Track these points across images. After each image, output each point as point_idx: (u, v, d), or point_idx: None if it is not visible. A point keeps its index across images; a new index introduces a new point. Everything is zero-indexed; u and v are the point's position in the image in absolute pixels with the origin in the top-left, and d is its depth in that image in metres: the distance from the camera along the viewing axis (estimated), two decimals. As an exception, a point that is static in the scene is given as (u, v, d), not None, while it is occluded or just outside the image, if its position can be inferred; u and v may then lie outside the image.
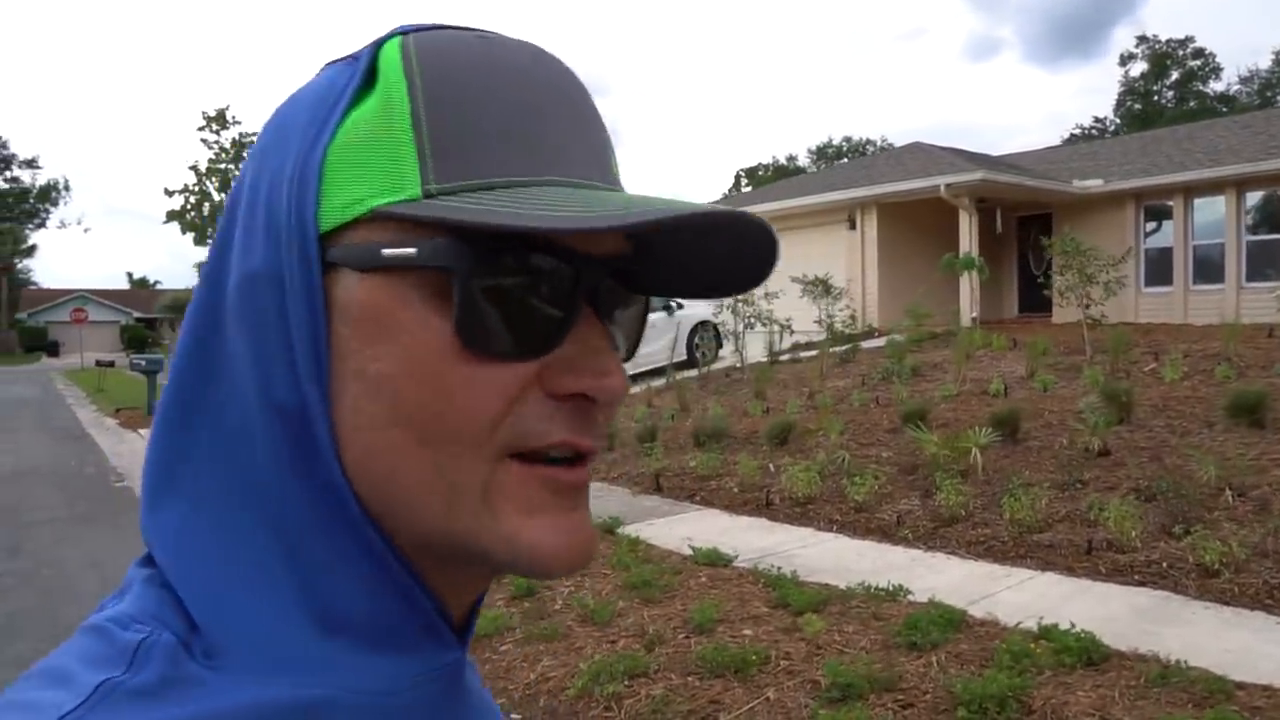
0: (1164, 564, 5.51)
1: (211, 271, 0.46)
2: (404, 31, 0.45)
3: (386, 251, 0.41)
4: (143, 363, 17.25)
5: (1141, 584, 5.38)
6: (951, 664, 3.87)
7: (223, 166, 49.33)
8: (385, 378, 0.42)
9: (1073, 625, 4.18)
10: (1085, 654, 3.85)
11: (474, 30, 0.47)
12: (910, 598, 4.95)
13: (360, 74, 0.44)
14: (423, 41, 0.44)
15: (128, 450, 13.34)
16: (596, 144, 0.47)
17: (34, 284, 68.68)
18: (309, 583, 0.43)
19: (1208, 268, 16.31)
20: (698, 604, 4.80)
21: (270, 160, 0.45)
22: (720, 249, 0.46)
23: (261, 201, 0.44)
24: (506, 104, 0.43)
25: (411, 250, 0.41)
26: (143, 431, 15.15)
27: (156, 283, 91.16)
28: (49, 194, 64.36)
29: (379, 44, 0.45)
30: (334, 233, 0.42)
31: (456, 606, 0.48)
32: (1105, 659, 3.89)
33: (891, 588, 5.04)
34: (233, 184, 0.47)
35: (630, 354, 0.50)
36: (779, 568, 5.59)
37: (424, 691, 0.46)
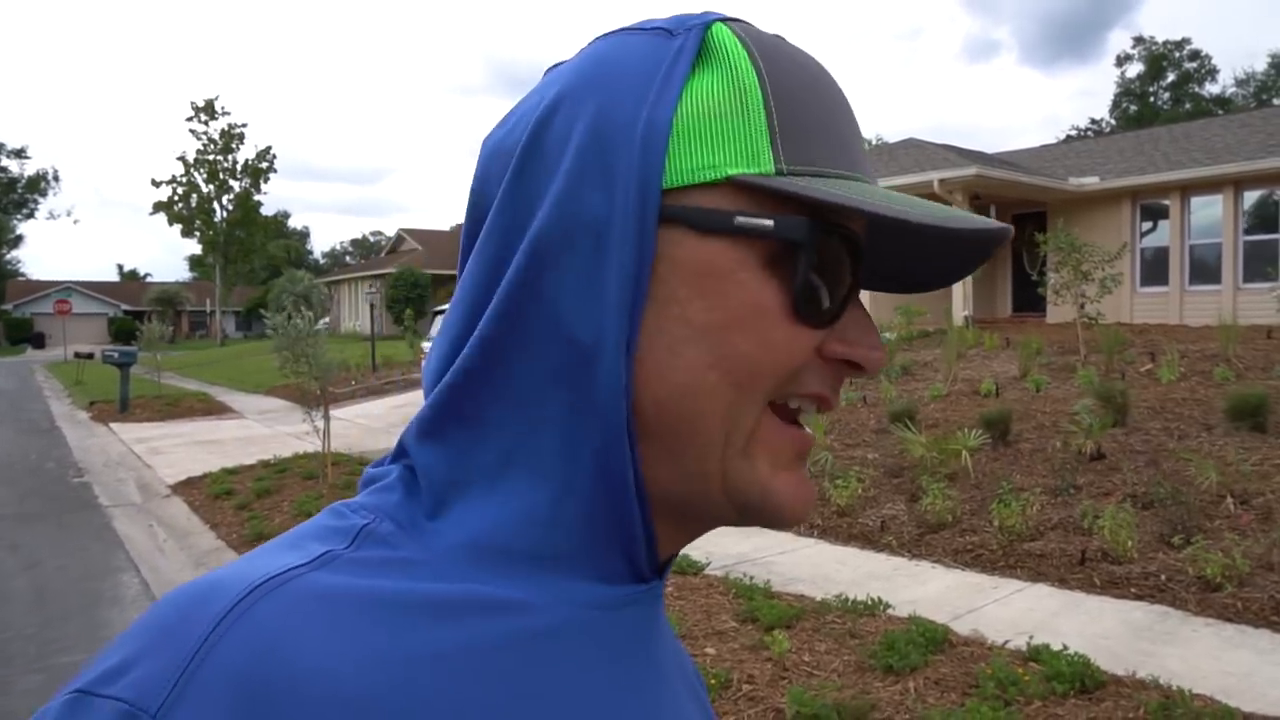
0: (1162, 576, 5.17)
1: (508, 211, 0.48)
2: (722, 19, 0.48)
3: (740, 219, 0.45)
4: (115, 355, 16.78)
5: (1138, 598, 5.04)
6: (930, 691, 3.51)
7: (211, 157, 48.61)
8: (715, 327, 0.45)
9: (1065, 647, 3.83)
10: (1078, 680, 3.49)
11: (775, 34, 0.50)
12: (890, 612, 4.59)
13: (691, 51, 0.46)
14: (748, 31, 0.48)
15: (96, 445, 12.95)
16: (863, 146, 0.51)
17: (21, 275, 68.12)
18: (550, 499, 0.47)
19: (1204, 268, 16.00)
20: (660, 617, 4.45)
21: (595, 112, 0.46)
22: (940, 257, 0.52)
23: (591, 151, 0.45)
24: (823, 103, 0.48)
25: (769, 222, 0.45)
26: (114, 425, 14.75)
27: (147, 275, 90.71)
28: (38, 184, 63.81)
29: (704, 27, 0.47)
30: (674, 192, 0.45)
31: (665, 549, 0.51)
32: (1100, 685, 3.53)
33: (871, 601, 4.68)
34: (532, 125, 0.48)
35: None
36: (752, 576, 5.24)
37: (623, 614, 0.49)
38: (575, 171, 0.46)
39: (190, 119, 48.36)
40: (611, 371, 0.45)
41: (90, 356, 25.57)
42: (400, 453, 0.51)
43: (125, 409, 16.00)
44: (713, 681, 3.54)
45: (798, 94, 0.47)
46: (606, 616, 0.48)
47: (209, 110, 48.21)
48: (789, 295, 0.45)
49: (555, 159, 0.47)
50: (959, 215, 0.45)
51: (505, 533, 0.46)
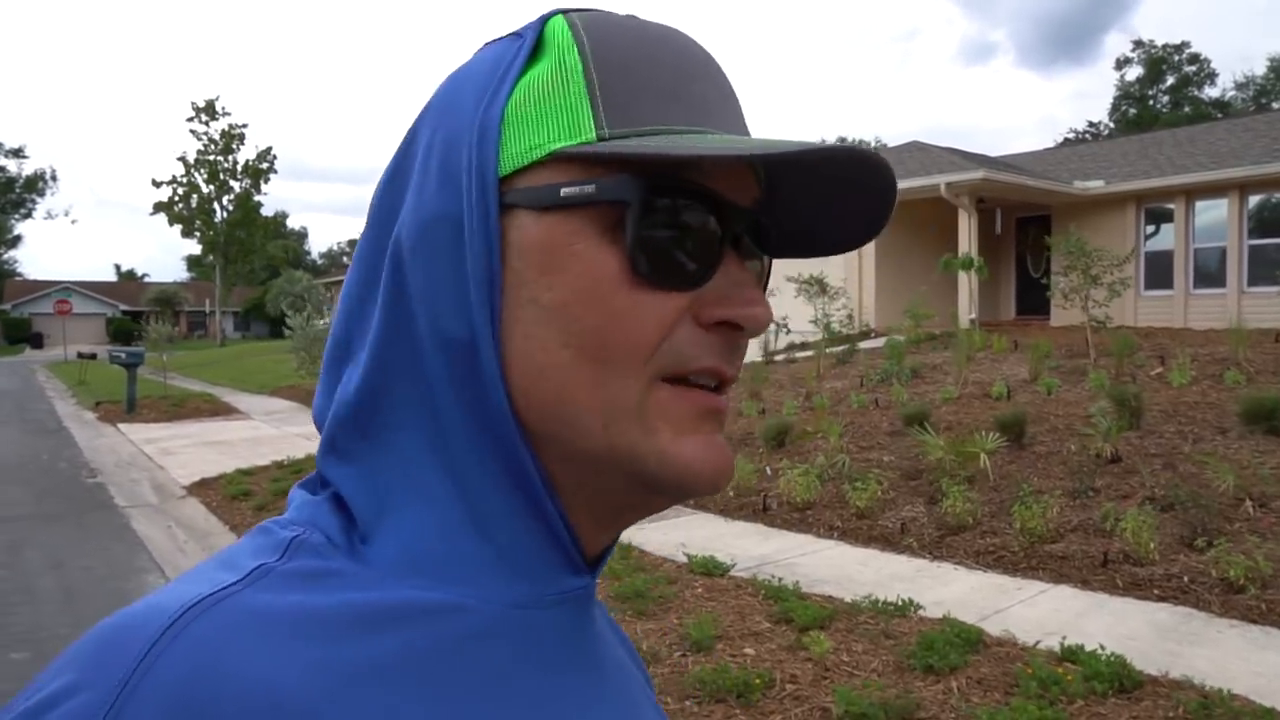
0: (1184, 578, 5.23)
1: (374, 227, 0.51)
2: (563, 12, 0.51)
3: (566, 190, 0.46)
4: (122, 355, 16.74)
5: (1161, 599, 5.09)
6: (973, 690, 3.55)
7: (211, 158, 48.52)
8: (559, 304, 0.46)
9: (1101, 647, 3.87)
10: (1116, 680, 3.54)
11: (622, 13, 0.52)
12: (921, 613, 4.64)
13: (529, 45, 0.49)
14: (584, 16, 0.50)
15: (105, 445, 12.96)
16: (734, 104, 0.52)
17: (19, 275, 67.97)
18: (465, 502, 0.47)
19: (1209, 271, 16.07)
20: (695, 618, 4.48)
21: (445, 120, 0.49)
22: (838, 206, 0.51)
23: (436, 157, 0.48)
24: (662, 67, 0.48)
25: (591, 187, 0.45)
26: (121, 426, 14.75)
27: (144, 275, 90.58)
28: (35, 184, 63.66)
29: (543, 21, 0.50)
30: (511, 178, 0.47)
31: (591, 543, 0.52)
32: (1138, 685, 3.58)
33: (901, 602, 4.73)
34: (398, 145, 0.52)
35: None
36: (780, 578, 5.28)
37: (554, 613, 0.50)
38: (424, 175, 0.49)
39: (191, 119, 48.27)
40: (490, 365, 0.46)
41: (93, 357, 25.51)
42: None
43: (132, 409, 16.00)
44: (757, 681, 3.58)
45: (629, 62, 0.47)
46: (538, 615, 0.49)
47: (210, 110, 48.13)
48: (625, 258, 0.45)
49: (411, 170, 0.50)
50: (800, 142, 0.43)
51: (427, 540, 0.47)
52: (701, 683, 3.60)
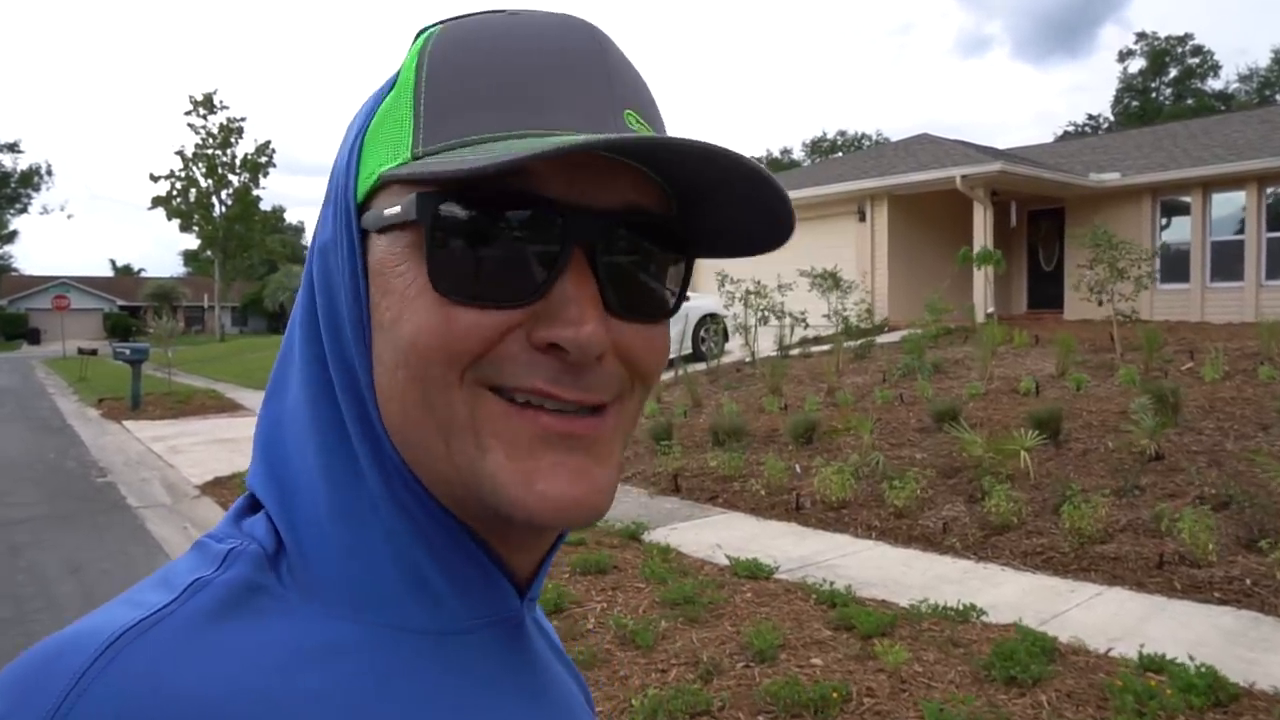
0: (1247, 580, 5.06)
1: (308, 257, 0.52)
2: (444, 21, 0.50)
3: (386, 212, 0.46)
4: (126, 351, 16.49)
5: (1223, 602, 4.93)
6: (1065, 705, 3.38)
7: (209, 152, 48.15)
8: (391, 324, 0.46)
9: (1191, 657, 3.70)
10: (1211, 692, 3.37)
11: (505, 10, 0.49)
12: (984, 619, 4.47)
13: (397, 71, 0.50)
14: (446, 28, 0.49)
15: (112, 443, 12.75)
16: (600, 97, 0.47)
17: (15, 270, 67.56)
18: (383, 529, 0.47)
19: (1226, 264, 15.92)
20: (750, 625, 4.30)
21: (339, 152, 0.51)
22: (736, 198, 0.47)
23: (331, 186, 0.50)
24: (499, 70, 0.46)
25: (397, 208, 0.45)
26: (127, 423, 14.55)
27: (140, 270, 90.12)
28: (31, 179, 63.18)
29: (416, 37, 0.50)
30: (365, 203, 0.47)
31: (518, 563, 0.51)
32: (1234, 698, 3.41)
33: (961, 607, 4.56)
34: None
35: (674, 308, 0.51)
36: (831, 582, 5.11)
37: (481, 636, 0.49)
38: (323, 206, 0.50)
39: (189, 113, 47.88)
40: (368, 389, 0.47)
41: (94, 353, 25.26)
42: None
43: (138, 406, 15.78)
44: (834, 695, 3.41)
45: (462, 72, 0.46)
46: (466, 640, 0.48)
47: (208, 104, 47.75)
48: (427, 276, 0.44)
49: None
50: (610, 137, 0.41)
51: (352, 564, 0.47)
52: (774, 697, 3.42)
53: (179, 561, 0.48)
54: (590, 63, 0.48)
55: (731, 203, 0.48)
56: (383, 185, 0.46)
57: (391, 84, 0.49)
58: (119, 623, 0.41)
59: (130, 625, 0.41)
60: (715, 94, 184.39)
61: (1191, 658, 3.71)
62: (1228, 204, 16.13)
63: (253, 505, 0.51)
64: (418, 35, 0.50)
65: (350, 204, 0.48)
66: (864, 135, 71.78)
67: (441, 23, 0.50)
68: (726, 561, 5.62)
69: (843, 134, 74.01)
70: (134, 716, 0.37)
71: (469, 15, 0.49)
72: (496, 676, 0.50)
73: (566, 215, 0.44)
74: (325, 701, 0.42)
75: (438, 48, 0.48)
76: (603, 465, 0.47)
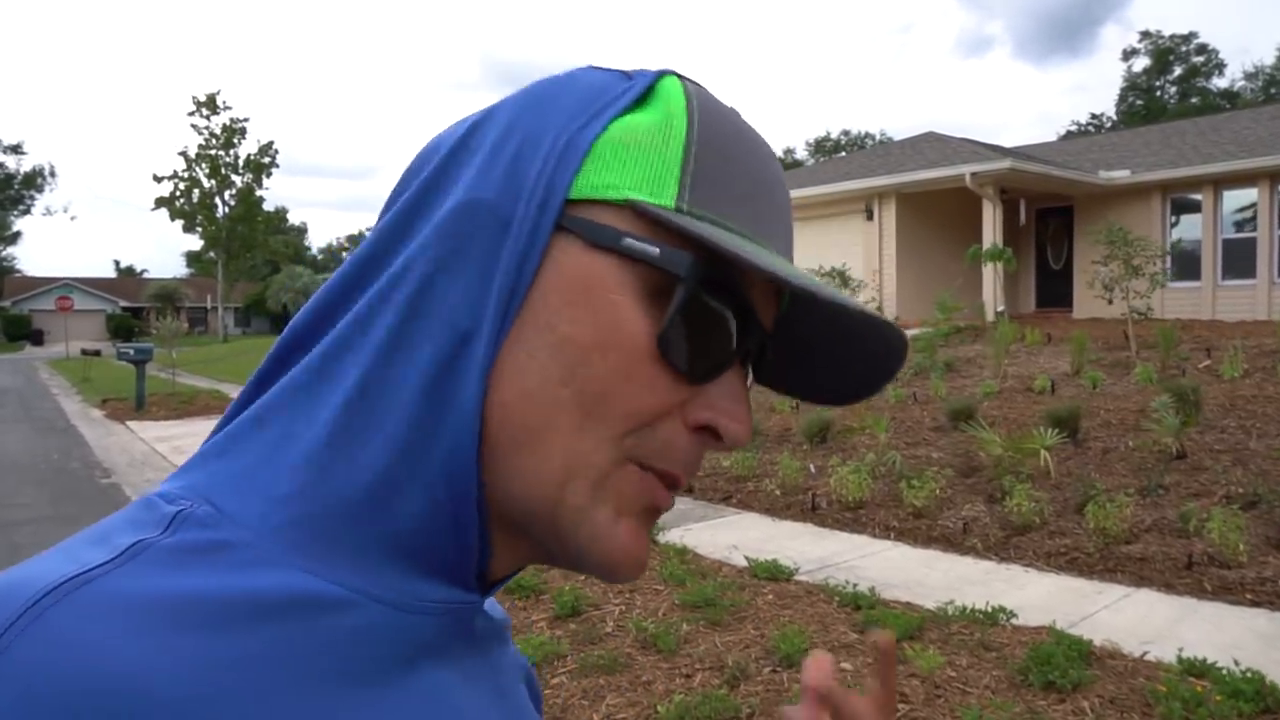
0: (1279, 582, 4.95)
1: (427, 182, 0.49)
2: (677, 74, 0.51)
3: (628, 240, 0.45)
4: (130, 352, 16.41)
5: (1255, 604, 4.82)
6: (1108, 712, 3.26)
7: (213, 152, 48.03)
8: (575, 342, 0.44)
9: (1236, 663, 3.58)
10: (1259, 699, 3.25)
11: (725, 102, 0.52)
12: (1014, 621, 4.35)
13: (638, 89, 0.49)
14: (699, 89, 0.51)
15: (116, 444, 12.66)
16: (790, 227, 0.52)
17: (18, 272, 67.58)
18: (385, 478, 0.45)
19: (1238, 262, 15.78)
20: (774, 628, 4.19)
21: (530, 119, 0.48)
22: (847, 354, 0.52)
23: (512, 148, 0.47)
24: (751, 170, 0.49)
25: (656, 250, 0.45)
26: (131, 424, 14.46)
27: (144, 271, 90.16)
28: (34, 180, 63.22)
29: (659, 75, 0.50)
30: (575, 204, 0.46)
31: (498, 567, 0.51)
32: (1281, 705, 3.29)
33: (990, 609, 4.44)
34: (464, 128, 0.50)
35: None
36: (853, 584, 5.00)
37: (437, 621, 0.47)
38: (492, 158, 0.47)
39: (192, 113, 47.82)
40: (479, 359, 0.45)
41: (97, 354, 25.21)
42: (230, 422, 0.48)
43: (142, 407, 15.69)
44: (868, 702, 3.29)
45: (725, 151, 0.48)
46: (423, 621, 0.47)
47: (211, 105, 47.68)
48: (658, 330, 0.45)
49: (475, 155, 0.48)
50: (860, 304, 0.45)
51: (332, 519, 0.44)
52: (804, 703, 3.30)
53: (118, 517, 0.44)
54: (788, 194, 0.52)
55: (835, 354, 0.53)
56: (618, 205, 0.45)
57: (621, 98, 0.48)
58: (49, 577, 0.38)
59: (60, 581, 0.38)
60: (719, 95, 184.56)
61: (1236, 662, 3.59)
62: (1239, 201, 16.00)
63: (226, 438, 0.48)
64: (667, 74, 0.50)
65: (555, 191, 0.46)
66: (867, 134, 71.67)
67: (688, 79, 0.51)
68: (745, 563, 5.51)
69: (846, 133, 73.90)
70: (53, 679, 0.36)
71: (704, 87, 0.51)
72: (449, 661, 0.49)
73: (752, 327, 0.47)
74: (271, 666, 0.40)
75: (705, 111, 0.49)
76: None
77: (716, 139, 0.48)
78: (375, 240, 0.49)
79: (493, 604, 0.59)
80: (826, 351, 0.52)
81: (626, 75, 0.50)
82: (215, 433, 0.48)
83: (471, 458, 0.45)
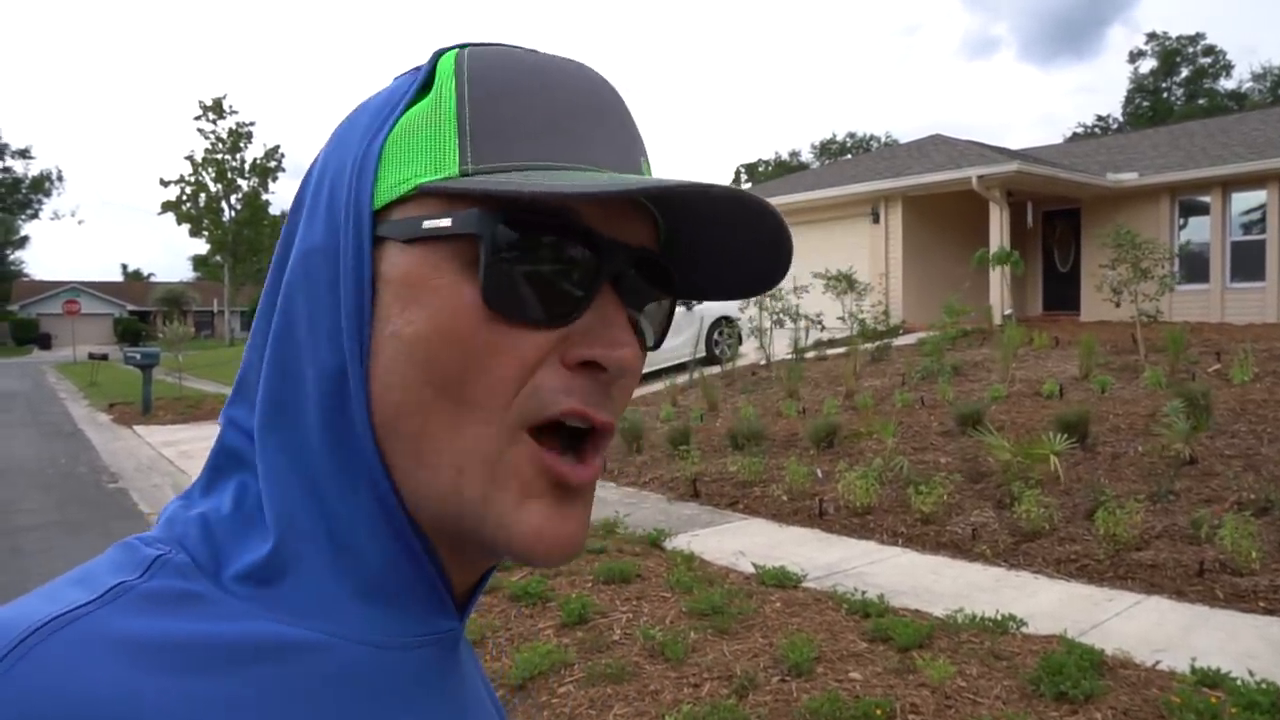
0: (1293, 589, 4.90)
1: (279, 252, 0.51)
2: (463, 45, 0.50)
3: (427, 223, 0.45)
4: (137, 356, 16.43)
5: (1269, 613, 4.77)
6: (1121, 723, 3.23)
7: (219, 157, 48.10)
8: (419, 339, 0.45)
9: (1251, 673, 3.55)
10: (1276, 711, 3.21)
11: (527, 48, 0.51)
12: (1024, 629, 4.32)
13: (420, 79, 0.50)
14: (477, 51, 0.50)
15: (123, 448, 12.67)
16: (624, 142, 0.51)
17: (26, 276, 67.80)
18: (330, 534, 0.46)
19: (1247, 264, 15.69)
20: (783, 636, 4.16)
21: (335, 155, 0.50)
22: (738, 244, 0.51)
23: (326, 189, 0.49)
24: (542, 102, 0.48)
25: (447, 221, 0.45)
26: (138, 428, 14.48)
27: (150, 275, 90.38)
28: (42, 185, 63.49)
29: (439, 54, 0.50)
30: (384, 211, 0.47)
31: (459, 582, 0.51)
32: (1299, 717, 3.25)
33: (1000, 617, 4.41)
34: (304, 177, 0.53)
35: (655, 345, 0.53)
36: (861, 591, 4.96)
37: (417, 654, 0.48)
38: (314, 206, 0.49)
39: (198, 118, 47.95)
40: (357, 396, 0.46)
41: (104, 358, 25.26)
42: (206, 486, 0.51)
43: (149, 411, 15.71)
44: (878, 712, 3.26)
45: (505, 98, 0.47)
46: (400, 656, 0.47)
47: (217, 109, 47.77)
48: (479, 293, 0.44)
49: (302, 208, 0.50)
50: (657, 180, 0.43)
51: (291, 570, 0.46)
52: (815, 713, 3.27)
53: (101, 560, 0.46)
54: (615, 110, 0.51)
55: (728, 246, 0.51)
56: (415, 196, 0.46)
57: (406, 94, 0.49)
58: (34, 617, 0.39)
59: (45, 620, 0.39)
60: (724, 98, 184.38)
61: (1251, 673, 3.55)
62: (1247, 203, 15.91)
63: (199, 497, 0.50)
64: (440, 53, 0.50)
65: (362, 209, 0.47)
66: (872, 137, 71.56)
67: (464, 46, 0.50)
68: (752, 569, 5.48)
69: (852, 135, 73.81)
70: (44, 708, 0.37)
71: (494, 44, 0.51)
72: (426, 694, 0.49)
73: (603, 247, 0.46)
74: (251, 709, 0.41)
75: (476, 70, 0.48)
76: (588, 509, 0.49)
77: (495, 88, 0.47)
78: (263, 297, 0.51)
79: None
80: (720, 246, 0.51)
81: (416, 70, 0.51)
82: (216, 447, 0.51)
83: (388, 490, 0.46)
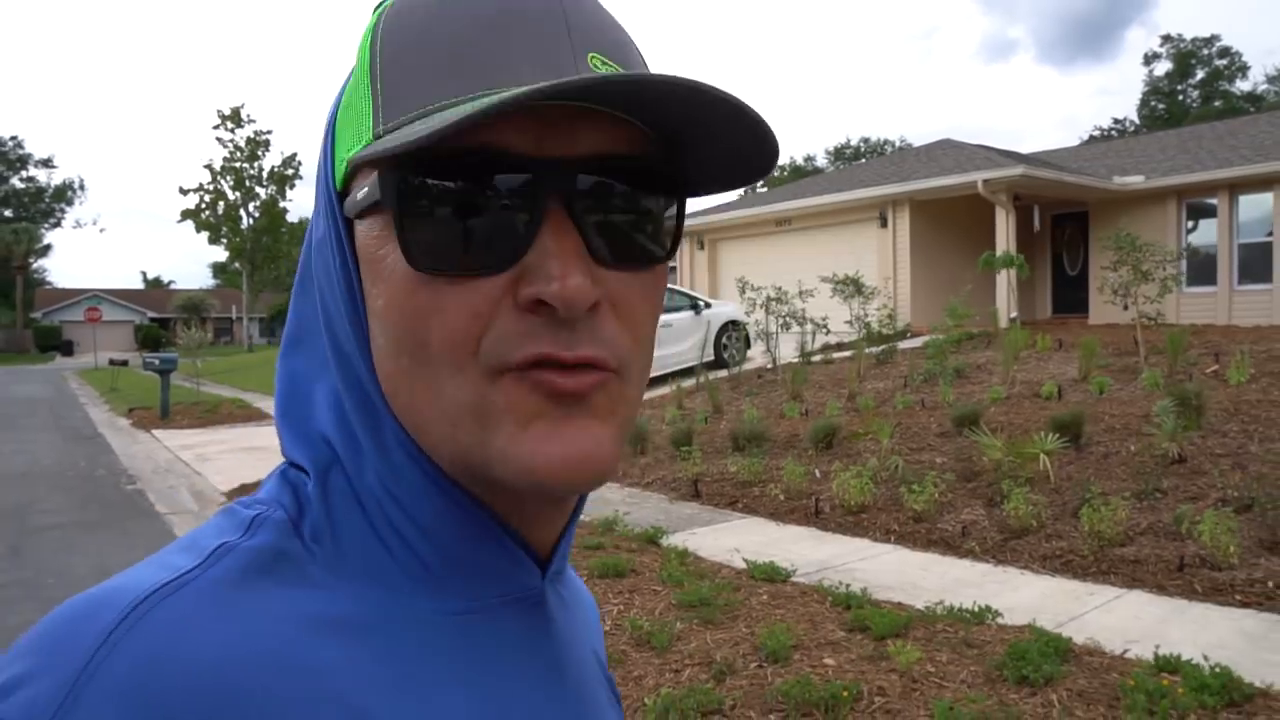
0: (1269, 584, 5.02)
1: (303, 251, 0.53)
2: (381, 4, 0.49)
3: (358, 196, 0.45)
4: (156, 361, 16.76)
5: (1244, 605, 4.89)
6: (1075, 704, 3.37)
7: (237, 165, 48.78)
8: (384, 311, 0.45)
9: (1205, 658, 3.68)
10: (1225, 693, 3.35)
11: None
12: (1000, 620, 4.46)
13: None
14: (391, 7, 0.47)
15: (141, 451, 12.95)
16: (552, 44, 0.44)
17: (49, 284, 68.75)
18: (399, 505, 0.47)
19: (1254, 266, 15.70)
20: (765, 626, 4.32)
21: (325, 151, 0.50)
22: (727, 141, 0.46)
23: (320, 185, 0.50)
24: (445, 31, 0.44)
25: (365, 189, 0.44)
26: (156, 432, 14.77)
27: (171, 282, 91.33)
28: (64, 193, 64.49)
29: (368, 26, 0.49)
30: (344, 192, 0.47)
31: (537, 539, 0.51)
32: (1248, 698, 3.39)
33: (976, 609, 4.55)
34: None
35: (667, 254, 0.48)
36: (846, 584, 5.12)
37: (502, 613, 0.49)
38: (316, 208, 0.51)
39: (217, 126, 48.58)
40: (369, 377, 0.47)
41: (124, 364, 25.64)
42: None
43: (166, 415, 16.02)
44: (844, 694, 3.43)
45: (413, 45, 0.45)
46: (482, 620, 0.48)
47: (235, 118, 48.40)
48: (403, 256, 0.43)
49: (314, 205, 0.52)
50: (655, 73, 0.40)
51: (374, 543, 0.47)
52: (785, 696, 3.44)
53: (206, 526, 0.48)
54: (543, 12, 0.45)
55: (711, 137, 0.46)
56: (354, 171, 0.46)
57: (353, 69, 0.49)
58: (146, 584, 0.41)
59: (157, 587, 0.41)
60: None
61: (1206, 658, 3.69)
62: (1255, 206, 15.92)
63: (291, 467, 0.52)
64: (373, 13, 0.49)
65: (332, 194, 0.47)
66: (887, 141, 71.52)
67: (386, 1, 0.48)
68: (744, 565, 5.64)
69: (866, 140, 73.81)
70: (157, 678, 0.38)
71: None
72: (515, 655, 0.49)
73: (536, 170, 0.42)
74: (341, 673, 0.43)
75: (388, 21, 0.46)
76: (605, 425, 0.45)
77: (400, 35, 0.45)
78: (294, 292, 0.56)
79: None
80: (703, 135, 0.46)
81: None
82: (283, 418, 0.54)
83: (425, 462, 0.47)
